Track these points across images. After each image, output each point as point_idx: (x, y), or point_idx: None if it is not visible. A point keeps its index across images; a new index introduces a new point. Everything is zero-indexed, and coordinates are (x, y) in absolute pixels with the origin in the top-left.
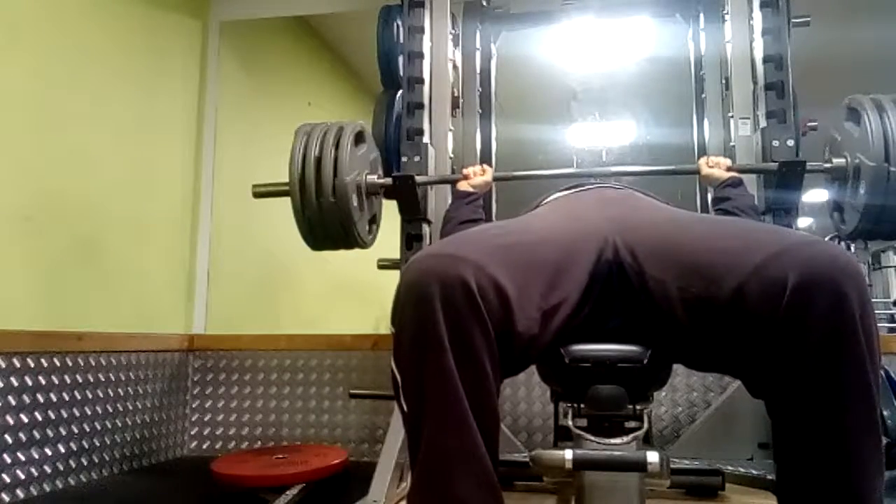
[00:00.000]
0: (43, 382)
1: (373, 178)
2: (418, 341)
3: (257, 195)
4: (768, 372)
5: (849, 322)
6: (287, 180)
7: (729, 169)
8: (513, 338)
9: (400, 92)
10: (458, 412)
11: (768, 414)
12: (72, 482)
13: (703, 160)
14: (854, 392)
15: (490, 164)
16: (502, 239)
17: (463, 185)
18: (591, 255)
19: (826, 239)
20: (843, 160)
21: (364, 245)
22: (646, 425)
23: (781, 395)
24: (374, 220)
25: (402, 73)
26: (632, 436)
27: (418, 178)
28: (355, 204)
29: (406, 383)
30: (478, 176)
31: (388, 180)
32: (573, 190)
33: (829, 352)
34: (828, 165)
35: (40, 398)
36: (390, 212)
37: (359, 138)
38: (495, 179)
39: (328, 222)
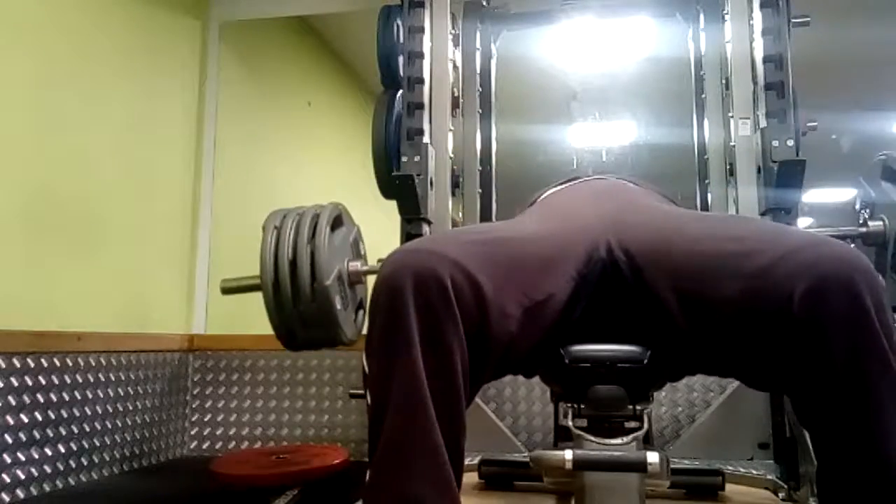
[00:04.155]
0: (43, 382)
1: (355, 265)
2: (388, 334)
3: (226, 291)
4: (776, 370)
5: (867, 321)
6: (258, 273)
7: None
8: (488, 339)
9: (400, 92)
10: (421, 409)
11: (792, 407)
12: (72, 482)
13: None
14: (884, 389)
15: (490, 164)
16: (485, 236)
17: None
18: (580, 252)
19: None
20: (880, 224)
21: (350, 342)
22: (646, 425)
23: (803, 395)
24: (360, 307)
25: (402, 73)
26: (632, 436)
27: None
28: (339, 306)
29: (373, 376)
30: None
31: (374, 266)
32: (568, 184)
33: (851, 354)
34: (863, 230)
35: (40, 398)
36: (390, 212)
37: (336, 223)
38: None
39: (310, 327)
